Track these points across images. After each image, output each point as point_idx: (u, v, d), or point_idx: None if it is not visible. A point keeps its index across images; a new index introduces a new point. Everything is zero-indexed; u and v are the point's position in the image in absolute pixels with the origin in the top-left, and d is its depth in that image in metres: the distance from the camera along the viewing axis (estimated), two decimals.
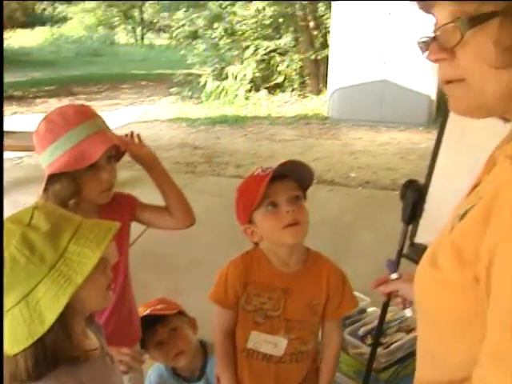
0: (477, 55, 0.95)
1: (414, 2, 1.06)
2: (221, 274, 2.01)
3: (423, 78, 10.92)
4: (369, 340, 2.74)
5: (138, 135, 2.14)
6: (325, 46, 13.48)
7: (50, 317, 1.25)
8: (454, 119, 2.22)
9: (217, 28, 13.76)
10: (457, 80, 1.00)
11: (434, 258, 1.05)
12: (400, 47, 10.81)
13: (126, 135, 2.11)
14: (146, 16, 35.62)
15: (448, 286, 1.00)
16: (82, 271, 1.26)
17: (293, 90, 14.11)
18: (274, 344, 1.99)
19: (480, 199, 1.00)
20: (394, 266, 1.56)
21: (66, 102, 13.36)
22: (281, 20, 14.20)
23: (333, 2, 11.45)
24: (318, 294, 1.98)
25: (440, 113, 11.54)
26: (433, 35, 1.02)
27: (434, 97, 11.20)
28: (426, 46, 1.05)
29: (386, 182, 7.43)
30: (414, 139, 10.16)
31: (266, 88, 14.01)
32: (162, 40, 31.87)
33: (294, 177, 1.93)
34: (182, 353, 2.38)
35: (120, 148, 2.01)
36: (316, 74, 14.00)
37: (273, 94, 14.03)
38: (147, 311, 2.39)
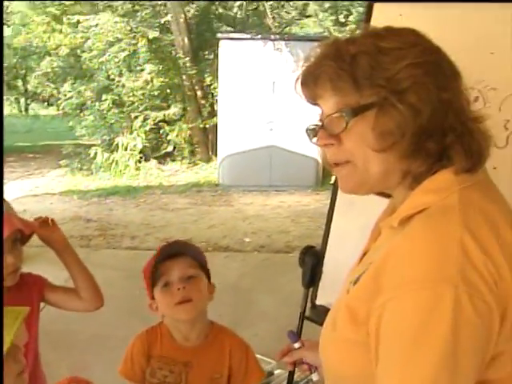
0: (359, 140, 1.11)
1: (300, 93, 1.22)
2: (127, 349, 2.06)
3: (309, 142, 11.37)
4: None
5: (53, 220, 2.16)
6: (213, 114, 13.80)
7: None
8: None
9: (105, 100, 13.81)
10: (344, 162, 1.16)
11: (333, 322, 1.18)
12: (285, 114, 11.28)
13: (37, 219, 2.13)
14: (29, 87, 35.08)
15: (347, 345, 1.13)
16: None
17: (183, 159, 14.27)
18: None
19: (370, 265, 1.14)
20: (295, 336, 1.63)
21: None
22: (168, 90, 14.46)
23: (219, 72, 11.80)
24: (219, 368, 2.03)
25: (326, 175, 12.04)
26: (320, 124, 1.18)
27: (320, 159, 11.66)
28: (313, 133, 1.21)
29: (279, 245, 7.64)
30: (303, 201, 10.51)
31: (156, 158, 14.11)
32: (47, 110, 31.37)
33: (190, 254, 2.02)
34: None
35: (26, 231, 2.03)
36: (205, 142, 14.26)
37: (163, 163, 14.14)
38: None
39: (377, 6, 2.26)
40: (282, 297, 5.41)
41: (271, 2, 13.85)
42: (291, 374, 2.36)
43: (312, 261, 2.41)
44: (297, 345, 1.65)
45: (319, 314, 2.35)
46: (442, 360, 0.94)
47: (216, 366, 2.03)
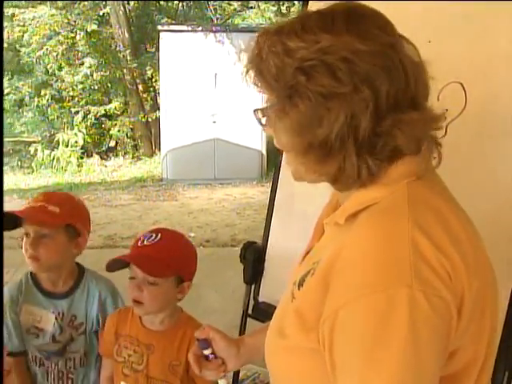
0: (275, 136, 1.08)
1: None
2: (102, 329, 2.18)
3: (252, 134, 11.40)
4: None
5: None
6: (155, 108, 13.67)
7: None
8: (284, 183, 2.37)
9: (44, 95, 13.51)
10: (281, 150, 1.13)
11: (280, 329, 1.11)
12: (228, 106, 11.24)
13: None
14: None
15: (297, 352, 1.07)
16: None
17: (125, 154, 14.12)
18: None
19: (314, 264, 1.09)
20: (206, 343, 1.54)
21: None
22: (109, 84, 14.25)
23: (161, 65, 11.69)
24: (178, 355, 2.03)
25: (271, 166, 12.06)
26: None
27: (264, 151, 11.69)
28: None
29: (225, 239, 7.60)
30: (248, 194, 10.52)
31: (99, 153, 13.91)
32: None
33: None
34: None
35: None
36: (148, 136, 14.13)
37: (106, 158, 13.95)
38: None
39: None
40: (229, 291, 5.38)
41: None
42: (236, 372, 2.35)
43: (253, 257, 2.39)
44: (207, 352, 1.55)
45: (262, 312, 2.33)
46: (403, 365, 0.90)
47: (176, 353, 2.04)
